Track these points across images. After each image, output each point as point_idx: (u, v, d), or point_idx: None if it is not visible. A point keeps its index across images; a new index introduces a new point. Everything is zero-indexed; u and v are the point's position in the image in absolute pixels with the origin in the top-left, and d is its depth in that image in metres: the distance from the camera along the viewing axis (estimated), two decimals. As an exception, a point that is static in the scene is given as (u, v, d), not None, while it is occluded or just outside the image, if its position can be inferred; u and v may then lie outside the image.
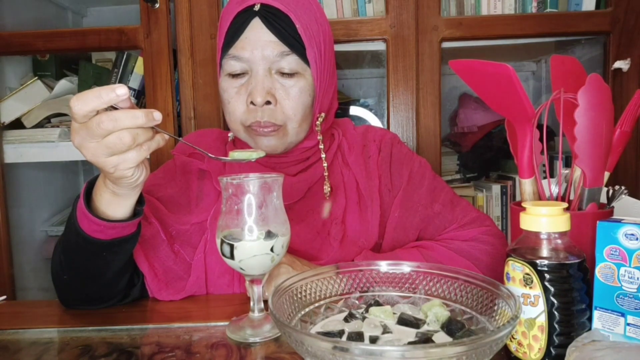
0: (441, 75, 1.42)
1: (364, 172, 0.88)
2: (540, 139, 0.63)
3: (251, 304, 0.65)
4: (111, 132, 0.55)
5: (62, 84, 1.61)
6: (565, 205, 0.52)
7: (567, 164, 1.39)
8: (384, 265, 0.62)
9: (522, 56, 1.89)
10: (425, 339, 0.50)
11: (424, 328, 0.54)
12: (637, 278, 0.48)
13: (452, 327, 0.53)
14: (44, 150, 1.50)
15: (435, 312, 0.55)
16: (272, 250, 0.62)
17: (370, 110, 1.90)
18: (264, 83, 0.78)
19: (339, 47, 1.43)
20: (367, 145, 0.92)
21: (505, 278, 0.54)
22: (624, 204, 0.68)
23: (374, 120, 1.88)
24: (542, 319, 0.50)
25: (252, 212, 0.61)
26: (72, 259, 0.70)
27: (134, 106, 0.58)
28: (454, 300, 0.57)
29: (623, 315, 0.49)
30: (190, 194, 0.87)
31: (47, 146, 1.50)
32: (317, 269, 0.60)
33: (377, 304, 0.60)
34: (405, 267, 0.61)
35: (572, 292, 0.50)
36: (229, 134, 0.90)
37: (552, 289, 0.49)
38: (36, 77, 1.61)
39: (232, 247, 0.61)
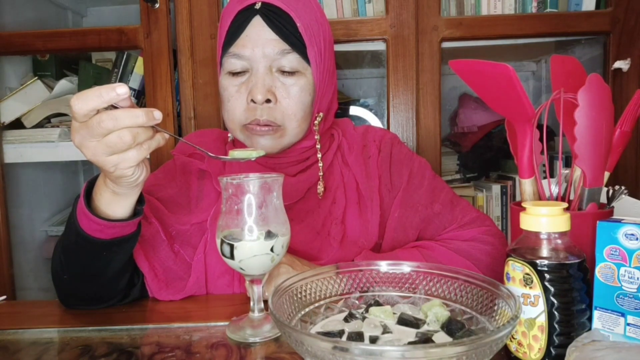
0: (441, 75, 1.42)
1: (363, 172, 0.88)
2: (540, 139, 0.63)
3: (251, 304, 0.65)
4: (111, 131, 0.55)
5: (62, 84, 1.61)
6: (565, 205, 0.52)
7: (567, 164, 1.39)
8: (384, 265, 0.62)
9: (522, 56, 1.89)
10: (425, 339, 0.50)
11: (424, 328, 0.54)
12: (637, 278, 0.48)
13: (452, 327, 0.53)
14: (44, 150, 1.50)
15: (435, 312, 0.55)
16: (272, 250, 0.62)
17: (370, 110, 1.90)
18: (265, 81, 0.78)
19: (339, 47, 1.43)
20: (367, 146, 0.92)
21: (505, 278, 0.54)
22: (624, 204, 0.68)
23: (374, 120, 1.88)
24: (542, 319, 0.50)
25: (252, 212, 0.61)
26: (72, 258, 0.70)
27: (134, 105, 0.58)
28: (454, 300, 0.57)
29: (623, 315, 0.49)
30: (190, 194, 0.87)
31: (47, 146, 1.50)
32: (317, 269, 0.60)
33: (377, 304, 0.60)
34: (405, 267, 0.61)
35: (572, 292, 0.50)
36: (229, 134, 0.90)
37: (552, 289, 0.49)
38: (36, 77, 1.61)
39: (232, 247, 0.61)
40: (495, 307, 0.52)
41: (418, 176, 0.91)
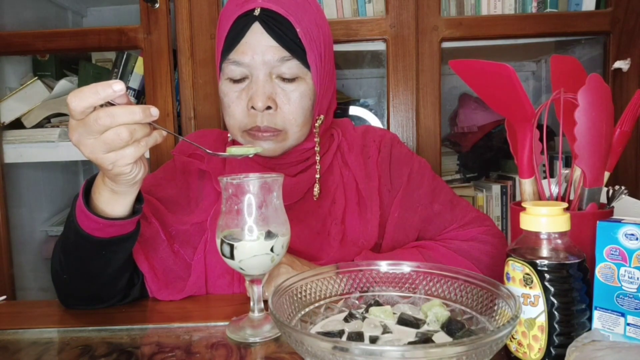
0: (441, 75, 1.42)
1: (363, 172, 0.88)
2: (540, 139, 0.63)
3: (251, 304, 0.65)
4: (109, 128, 0.55)
5: (62, 84, 1.61)
6: (565, 205, 0.52)
7: (567, 164, 1.39)
8: (384, 265, 0.62)
9: (522, 56, 1.89)
10: (425, 339, 0.50)
11: (424, 328, 0.54)
12: (637, 278, 0.48)
13: (452, 327, 0.53)
14: (44, 150, 1.50)
15: (435, 312, 0.55)
16: (272, 250, 0.62)
17: (370, 110, 1.90)
18: (265, 88, 0.78)
19: (339, 47, 1.43)
20: (367, 146, 0.92)
21: (505, 278, 0.54)
22: (624, 204, 0.68)
23: (374, 120, 1.88)
24: (542, 319, 0.50)
25: (252, 212, 0.61)
26: (71, 258, 0.70)
27: (131, 103, 0.58)
28: (454, 300, 0.57)
29: (623, 315, 0.49)
30: (190, 194, 0.87)
31: (47, 146, 1.50)
32: (317, 269, 0.60)
33: (377, 304, 0.60)
34: (405, 267, 0.61)
35: (572, 292, 0.50)
36: (229, 134, 0.90)
37: (552, 289, 0.49)
38: (36, 77, 1.61)
39: (232, 247, 0.61)
40: (495, 307, 0.52)
41: (418, 176, 0.91)
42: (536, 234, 0.51)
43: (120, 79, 1.58)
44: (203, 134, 0.96)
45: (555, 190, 0.66)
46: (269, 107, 0.78)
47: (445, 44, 1.42)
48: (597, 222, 0.51)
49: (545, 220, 0.50)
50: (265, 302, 0.60)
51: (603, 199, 0.65)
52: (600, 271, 0.51)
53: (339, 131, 0.92)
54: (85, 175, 2.00)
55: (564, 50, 1.64)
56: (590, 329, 0.51)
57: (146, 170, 0.64)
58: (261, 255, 0.61)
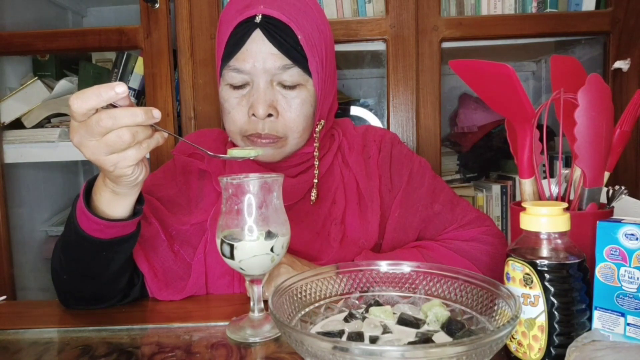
0: (441, 75, 1.42)
1: (364, 172, 0.88)
2: (540, 139, 0.63)
3: (251, 304, 0.65)
4: (111, 130, 0.55)
5: (62, 84, 1.61)
6: (565, 205, 0.52)
7: (567, 164, 1.39)
8: (384, 265, 0.62)
9: (522, 56, 1.89)
10: (425, 339, 0.50)
11: (424, 328, 0.54)
12: (637, 278, 0.48)
13: (452, 327, 0.53)
14: (44, 150, 1.50)
15: (435, 312, 0.55)
16: (272, 250, 0.62)
17: (370, 110, 1.90)
18: (266, 95, 0.77)
19: (339, 47, 1.42)
20: (367, 145, 0.92)
21: (505, 278, 0.54)
22: (624, 204, 0.68)
23: (374, 120, 1.88)
24: (542, 319, 0.50)
25: (252, 212, 0.61)
26: (71, 258, 0.70)
27: (133, 104, 0.58)
28: (454, 300, 0.57)
29: (623, 315, 0.49)
30: (190, 194, 0.87)
31: (47, 146, 1.50)
32: (317, 269, 0.60)
33: (377, 304, 0.60)
34: (405, 267, 0.61)
35: (572, 292, 0.50)
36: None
37: (552, 289, 0.49)
38: (36, 77, 1.61)
39: (232, 247, 0.61)
40: (495, 307, 0.52)
41: (418, 176, 0.91)
42: (536, 234, 0.51)
43: (120, 79, 1.58)
44: (203, 134, 0.96)
45: (555, 190, 0.66)
46: (269, 115, 0.78)
47: (445, 44, 1.42)
48: (597, 222, 0.51)
49: (545, 220, 0.50)
50: (265, 302, 0.60)
51: (603, 199, 0.65)
52: (600, 271, 0.51)
53: (339, 131, 0.92)
54: (85, 176, 2.00)
55: (564, 50, 1.64)
56: (590, 329, 0.51)
57: (147, 172, 0.64)
58: (261, 255, 0.61)
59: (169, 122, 1.44)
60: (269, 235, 0.62)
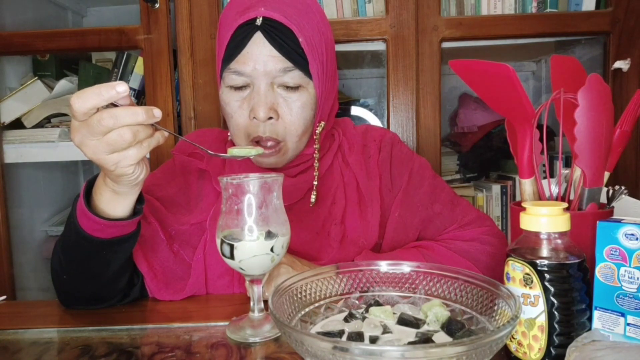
0: (441, 75, 1.42)
1: (364, 172, 0.88)
2: (540, 139, 0.63)
3: (251, 304, 0.65)
4: (112, 130, 0.55)
5: (62, 84, 1.61)
6: (565, 205, 0.52)
7: (567, 164, 1.39)
8: (384, 265, 0.62)
9: (522, 56, 1.89)
10: (425, 339, 0.50)
11: (424, 328, 0.54)
12: (637, 278, 0.48)
13: (452, 327, 0.53)
14: (44, 150, 1.50)
15: (435, 312, 0.55)
16: (272, 250, 0.62)
17: (370, 110, 1.90)
18: (267, 98, 0.77)
19: (339, 47, 1.42)
20: (367, 145, 0.92)
21: (505, 278, 0.54)
22: (624, 204, 0.68)
23: (374, 120, 1.88)
24: (542, 319, 0.50)
25: (252, 212, 0.61)
26: (71, 258, 0.70)
27: (133, 104, 0.58)
28: (454, 300, 0.57)
29: (623, 315, 0.49)
30: (189, 194, 0.87)
31: (47, 146, 1.50)
32: (317, 269, 0.60)
33: (377, 304, 0.60)
34: (405, 267, 0.61)
35: (572, 292, 0.50)
36: (228, 133, 0.90)
37: (552, 289, 0.49)
38: (36, 77, 1.61)
39: (232, 247, 0.61)
40: (495, 307, 0.52)
41: (418, 176, 0.91)
42: (536, 234, 0.51)
43: (120, 79, 1.58)
44: (203, 134, 0.96)
45: (555, 190, 0.66)
46: (270, 117, 0.78)
47: (445, 44, 1.42)
48: (597, 222, 0.51)
49: (545, 220, 0.50)
50: (265, 302, 0.60)
51: (603, 199, 0.65)
52: (600, 271, 0.51)
53: (339, 131, 0.92)
54: (85, 176, 2.00)
55: (564, 50, 1.64)
56: (590, 329, 0.51)
57: (148, 171, 0.64)
58: (261, 255, 0.61)
59: (169, 122, 1.44)
60: (269, 235, 0.62)
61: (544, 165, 0.67)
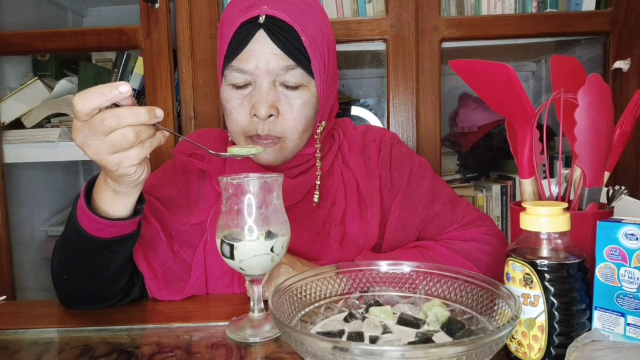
0: (441, 75, 1.42)
1: (364, 172, 0.88)
2: (540, 139, 0.63)
3: (251, 304, 0.65)
4: (114, 129, 0.55)
5: (62, 84, 1.61)
6: (565, 205, 0.52)
7: (567, 164, 1.39)
8: (384, 265, 0.62)
9: (522, 56, 1.89)
10: (425, 339, 0.50)
11: (424, 328, 0.54)
12: (637, 278, 0.48)
13: (452, 327, 0.53)
14: (44, 150, 1.50)
15: (435, 312, 0.55)
16: (272, 250, 0.62)
17: (370, 110, 1.90)
18: (268, 96, 0.77)
19: (339, 47, 1.41)
20: (367, 145, 0.92)
21: (505, 278, 0.54)
22: (624, 204, 0.68)
23: (374, 120, 1.88)
24: (542, 319, 0.50)
25: (252, 212, 0.61)
26: (72, 257, 0.70)
27: (135, 104, 0.58)
28: (454, 300, 0.57)
29: (623, 315, 0.49)
30: (190, 194, 0.87)
31: (47, 146, 1.50)
32: (317, 269, 0.60)
33: (377, 304, 0.60)
34: (405, 267, 0.61)
35: (572, 292, 0.50)
36: (229, 134, 0.90)
37: (552, 289, 0.49)
38: (36, 77, 1.61)
39: (232, 247, 0.61)
40: (495, 307, 0.52)
41: (418, 176, 0.91)
42: (536, 234, 0.51)
43: (120, 79, 1.58)
44: (203, 134, 0.96)
45: (555, 190, 0.66)
46: (270, 115, 0.78)
47: (445, 44, 1.42)
48: (597, 222, 0.51)
49: (545, 220, 0.50)
50: (265, 302, 0.60)
51: (603, 199, 0.65)
52: (600, 271, 0.51)
53: (339, 131, 0.92)
54: (85, 175, 2.00)
55: (564, 50, 1.64)
56: (590, 329, 0.51)
57: (149, 171, 0.64)
58: (261, 255, 0.61)
59: (169, 122, 1.44)
60: (269, 235, 0.62)
61: (544, 165, 0.67)
